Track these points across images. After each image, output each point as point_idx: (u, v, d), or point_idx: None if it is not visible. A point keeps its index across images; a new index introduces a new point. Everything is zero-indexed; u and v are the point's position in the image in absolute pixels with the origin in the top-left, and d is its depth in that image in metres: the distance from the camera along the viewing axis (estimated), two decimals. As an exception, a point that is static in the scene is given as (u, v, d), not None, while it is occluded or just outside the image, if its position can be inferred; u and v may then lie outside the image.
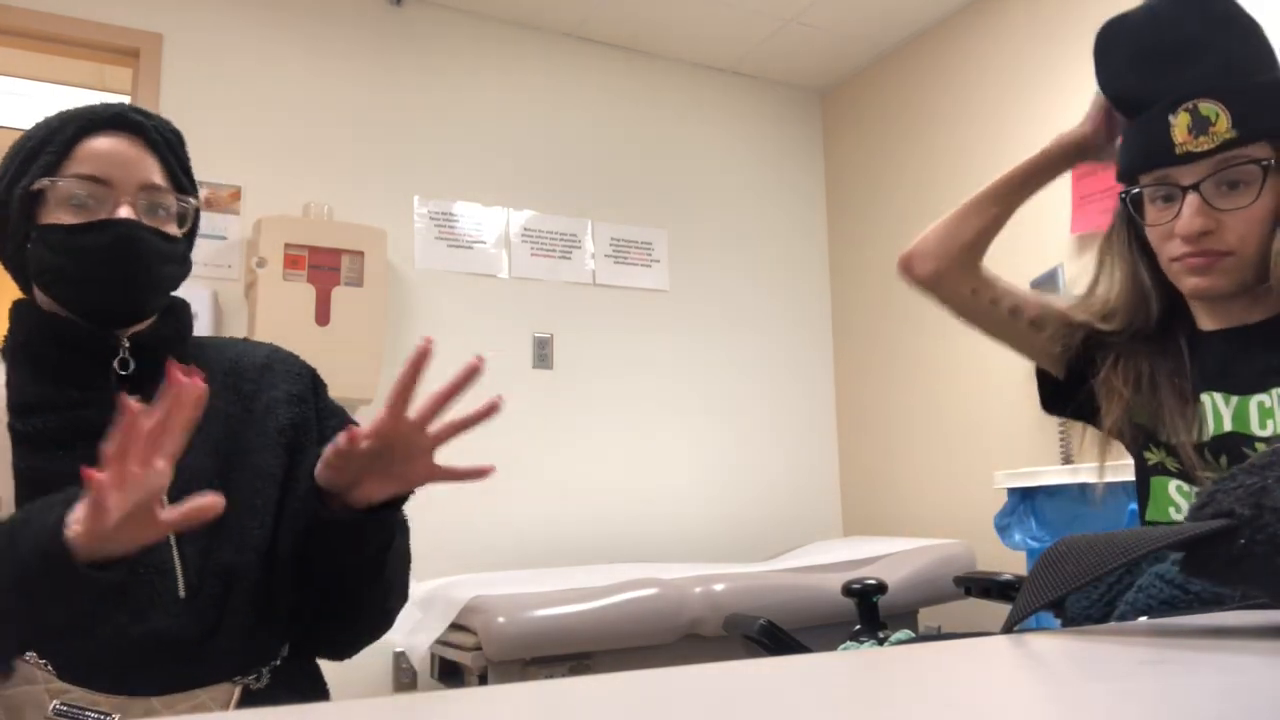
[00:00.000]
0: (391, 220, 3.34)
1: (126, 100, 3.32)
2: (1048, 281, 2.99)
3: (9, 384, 1.02)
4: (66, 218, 0.99)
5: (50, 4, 2.98)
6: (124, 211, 1.00)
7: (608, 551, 3.50)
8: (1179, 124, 1.07)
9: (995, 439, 3.37)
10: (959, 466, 3.51)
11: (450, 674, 2.61)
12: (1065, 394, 1.26)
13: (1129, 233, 1.18)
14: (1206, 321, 1.15)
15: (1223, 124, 1.04)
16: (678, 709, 0.38)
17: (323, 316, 3.02)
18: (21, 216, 1.00)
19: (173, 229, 1.05)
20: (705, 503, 3.76)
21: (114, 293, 1.01)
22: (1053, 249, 3.18)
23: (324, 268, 3.05)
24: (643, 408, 3.71)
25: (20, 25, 2.95)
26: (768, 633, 1.78)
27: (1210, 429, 1.09)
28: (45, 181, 0.99)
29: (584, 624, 2.35)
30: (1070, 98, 3.20)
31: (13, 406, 0.99)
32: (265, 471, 1.07)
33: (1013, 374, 3.33)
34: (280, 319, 2.91)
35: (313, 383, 1.17)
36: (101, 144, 1.01)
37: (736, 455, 3.87)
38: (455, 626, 2.42)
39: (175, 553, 0.98)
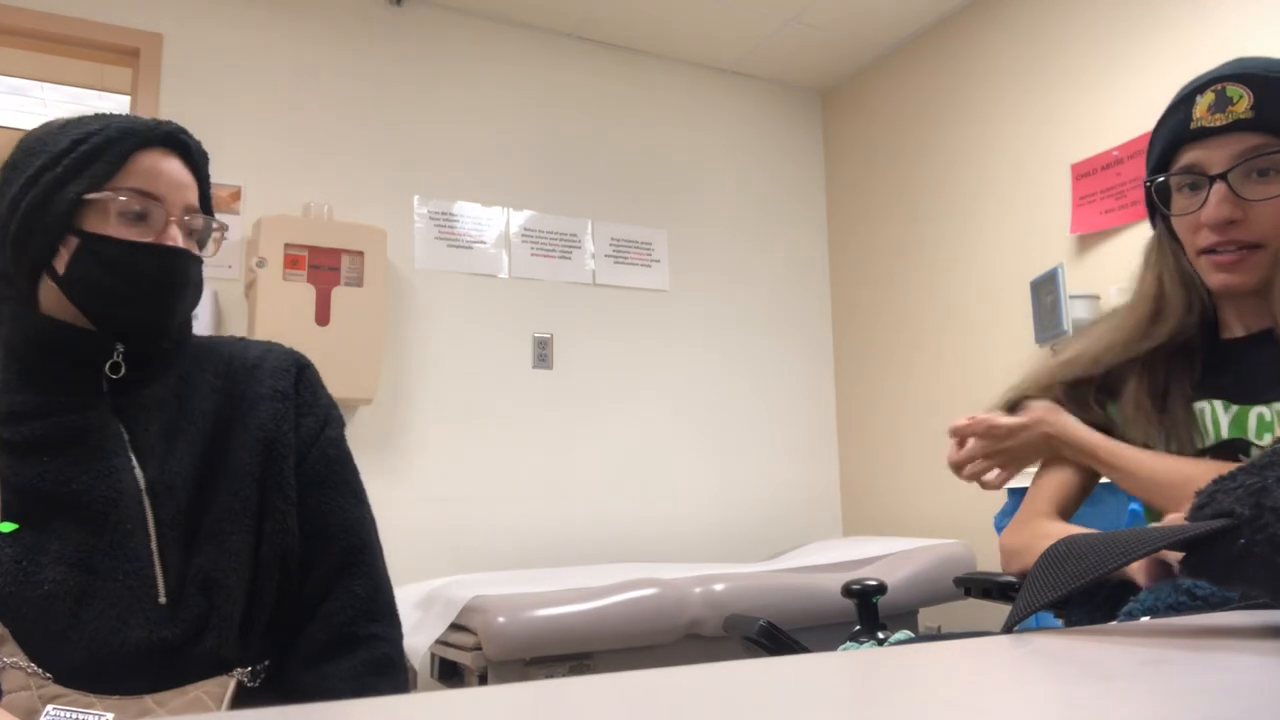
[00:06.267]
0: (391, 220, 3.34)
1: (127, 100, 3.32)
2: (1048, 281, 2.99)
3: None
4: (118, 231, 0.98)
5: (50, 4, 2.98)
6: (174, 233, 1.01)
7: (608, 551, 3.50)
8: (1202, 102, 1.06)
9: (995, 439, 3.36)
10: (959, 466, 3.51)
11: (450, 674, 2.61)
12: None
13: (1169, 242, 1.15)
14: (1235, 326, 1.12)
15: (1242, 105, 1.03)
16: (678, 709, 0.38)
17: (323, 316, 3.02)
18: (63, 220, 0.97)
19: (200, 252, 1.07)
20: (705, 502, 3.76)
21: (152, 315, 1.02)
22: (1053, 249, 3.19)
23: (324, 267, 3.05)
24: (642, 407, 3.71)
25: (20, 25, 2.96)
26: (768, 634, 1.78)
27: (1210, 437, 1.07)
28: (106, 193, 0.98)
29: (584, 624, 2.35)
30: (1069, 97, 3.20)
31: (1, 414, 0.98)
32: (244, 471, 1.04)
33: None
34: (280, 319, 2.91)
35: (297, 377, 1.13)
36: (155, 161, 1.01)
37: (736, 455, 3.87)
38: (455, 626, 2.42)
39: (156, 558, 0.97)
